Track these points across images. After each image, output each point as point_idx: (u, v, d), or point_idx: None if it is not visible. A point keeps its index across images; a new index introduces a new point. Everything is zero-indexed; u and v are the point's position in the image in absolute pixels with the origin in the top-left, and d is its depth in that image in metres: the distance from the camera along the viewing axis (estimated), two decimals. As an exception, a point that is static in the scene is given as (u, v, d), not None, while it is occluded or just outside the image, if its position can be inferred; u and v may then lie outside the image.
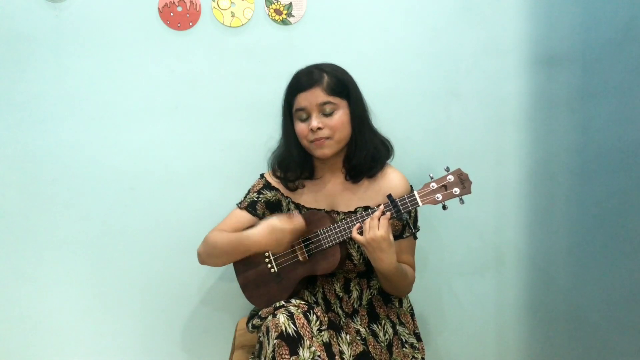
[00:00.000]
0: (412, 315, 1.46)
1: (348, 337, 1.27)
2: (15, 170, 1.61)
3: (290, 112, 1.37)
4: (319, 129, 1.31)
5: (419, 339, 1.42)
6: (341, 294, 1.40)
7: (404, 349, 1.35)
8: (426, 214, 1.55)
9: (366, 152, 1.36)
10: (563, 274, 1.75)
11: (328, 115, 1.32)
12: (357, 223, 1.28)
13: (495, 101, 1.67)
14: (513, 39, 1.64)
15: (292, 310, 1.19)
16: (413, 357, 1.36)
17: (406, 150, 1.61)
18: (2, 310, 1.66)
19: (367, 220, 1.24)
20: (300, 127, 1.34)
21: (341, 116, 1.33)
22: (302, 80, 1.33)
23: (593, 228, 1.72)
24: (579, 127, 1.68)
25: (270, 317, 1.20)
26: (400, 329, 1.39)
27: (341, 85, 1.33)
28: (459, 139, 1.67)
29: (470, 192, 1.25)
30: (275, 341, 1.15)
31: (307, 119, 1.33)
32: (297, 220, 1.33)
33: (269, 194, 1.45)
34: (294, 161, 1.40)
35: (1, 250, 1.64)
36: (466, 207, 1.66)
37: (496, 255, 1.74)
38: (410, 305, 1.46)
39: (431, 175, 1.26)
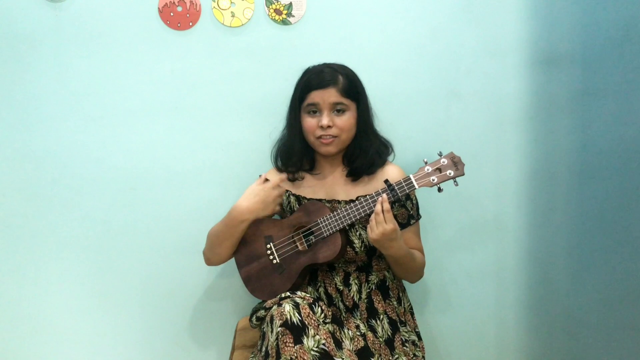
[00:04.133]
0: (412, 314, 1.47)
1: (350, 332, 1.28)
2: (15, 170, 1.61)
3: (299, 106, 1.41)
4: (328, 127, 1.36)
5: (419, 337, 1.43)
6: (341, 287, 1.41)
7: (405, 347, 1.36)
8: (426, 213, 1.55)
9: (368, 156, 1.41)
10: (563, 274, 1.75)
11: (338, 113, 1.37)
12: (356, 210, 1.31)
13: (495, 101, 1.67)
14: (513, 39, 1.64)
15: (298, 301, 1.21)
16: (414, 354, 1.37)
17: (406, 149, 1.61)
18: (2, 310, 1.66)
19: (373, 217, 1.27)
20: (309, 122, 1.39)
21: (349, 118, 1.38)
22: (318, 78, 1.37)
23: (593, 228, 1.72)
24: (579, 127, 1.68)
25: (275, 307, 1.21)
26: (401, 327, 1.40)
27: (354, 88, 1.39)
28: (459, 139, 1.67)
29: (463, 174, 1.30)
30: (279, 329, 1.16)
31: (317, 114, 1.38)
32: (270, 177, 1.39)
33: None
34: (296, 153, 1.44)
35: (1, 250, 1.64)
36: (466, 207, 1.67)
37: (496, 255, 1.74)
38: (410, 304, 1.47)
39: (425, 160, 1.31)
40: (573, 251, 1.73)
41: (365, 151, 1.41)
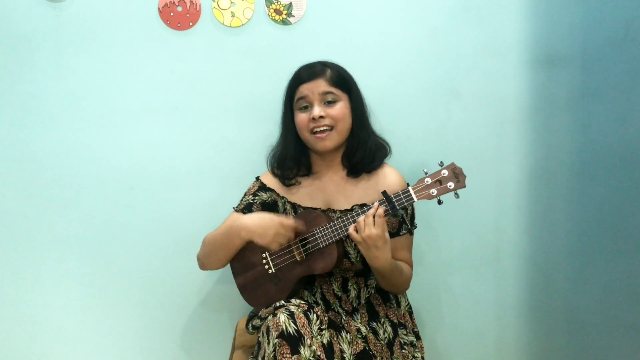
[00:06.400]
0: (411, 313, 1.46)
1: (349, 336, 1.27)
2: (15, 170, 1.61)
3: (291, 105, 1.39)
4: (321, 117, 1.32)
5: (418, 337, 1.42)
6: (339, 294, 1.40)
7: (404, 351, 1.35)
8: (425, 213, 1.55)
9: (367, 149, 1.37)
10: (563, 273, 1.75)
11: (330, 104, 1.34)
12: (352, 220, 1.27)
13: (495, 101, 1.67)
14: (513, 39, 1.64)
15: (293, 310, 1.19)
16: (413, 356, 1.36)
17: (406, 149, 1.61)
18: (2, 310, 1.66)
19: (362, 218, 1.24)
20: (301, 118, 1.36)
21: (342, 107, 1.35)
22: (305, 72, 1.36)
23: (593, 228, 1.72)
24: (579, 127, 1.68)
25: (270, 317, 1.20)
26: (400, 330, 1.39)
27: (343, 79, 1.37)
28: (459, 139, 1.67)
29: (465, 186, 1.25)
30: (276, 340, 1.15)
31: (308, 108, 1.35)
32: (289, 218, 1.34)
33: (264, 195, 1.45)
34: (291, 156, 1.41)
35: (1, 250, 1.64)
36: (466, 207, 1.67)
37: (496, 255, 1.74)
38: (409, 303, 1.46)
39: (425, 170, 1.26)
40: (573, 251, 1.73)
41: (364, 143, 1.37)
